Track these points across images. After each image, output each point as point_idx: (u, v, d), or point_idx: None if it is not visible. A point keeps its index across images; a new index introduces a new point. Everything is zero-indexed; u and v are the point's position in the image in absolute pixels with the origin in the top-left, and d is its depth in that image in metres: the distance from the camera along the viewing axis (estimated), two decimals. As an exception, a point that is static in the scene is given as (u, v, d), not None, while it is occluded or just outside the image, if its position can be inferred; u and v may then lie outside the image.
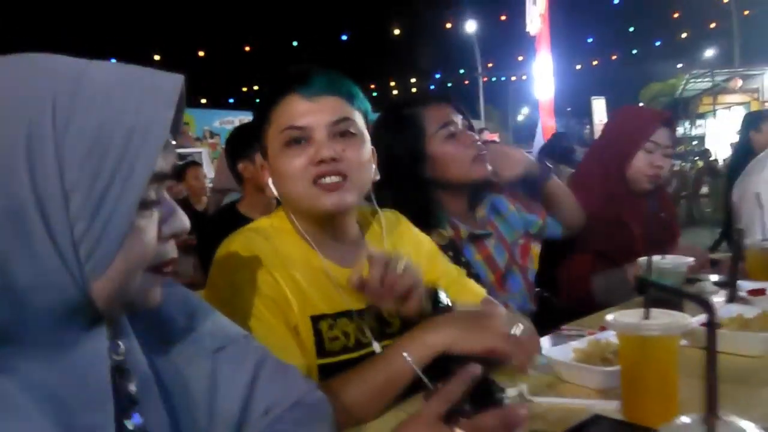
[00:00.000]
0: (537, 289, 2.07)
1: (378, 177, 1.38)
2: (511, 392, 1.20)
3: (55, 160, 0.63)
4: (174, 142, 0.77)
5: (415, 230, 1.56)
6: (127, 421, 0.76)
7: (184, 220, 0.77)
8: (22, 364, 0.66)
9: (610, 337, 1.32)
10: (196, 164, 6.21)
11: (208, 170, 7.43)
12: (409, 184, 1.76)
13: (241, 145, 3.00)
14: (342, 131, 1.28)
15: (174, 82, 0.72)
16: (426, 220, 1.69)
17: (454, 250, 1.75)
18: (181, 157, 7.93)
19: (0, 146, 0.62)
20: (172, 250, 0.77)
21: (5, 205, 0.62)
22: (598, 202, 2.23)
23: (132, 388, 0.78)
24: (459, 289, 1.47)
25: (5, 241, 0.62)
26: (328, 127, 1.27)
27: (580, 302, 2.04)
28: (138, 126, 0.67)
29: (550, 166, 2.97)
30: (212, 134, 16.17)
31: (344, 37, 22.27)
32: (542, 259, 2.06)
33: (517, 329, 1.17)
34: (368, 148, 1.34)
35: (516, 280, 1.93)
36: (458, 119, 1.83)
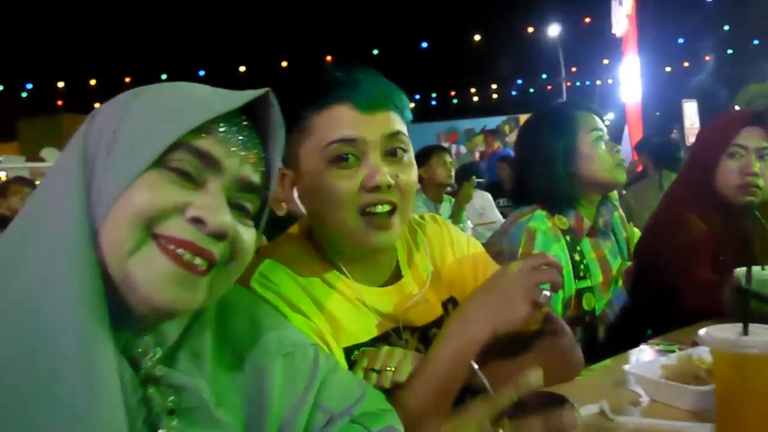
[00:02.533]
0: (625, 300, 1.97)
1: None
2: (590, 409, 1.12)
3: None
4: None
5: (457, 234, 1.44)
6: (161, 430, 0.75)
7: (217, 216, 0.74)
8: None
9: (703, 353, 1.22)
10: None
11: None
12: (553, 175, 1.89)
13: None
14: (394, 148, 1.17)
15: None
16: (555, 204, 1.89)
17: (572, 236, 1.87)
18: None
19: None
20: (187, 232, 0.74)
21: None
22: (694, 221, 2.02)
23: (162, 396, 0.77)
24: None
25: None
26: (383, 144, 1.15)
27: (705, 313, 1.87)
28: (171, 108, 0.75)
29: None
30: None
31: (424, 45, 22.29)
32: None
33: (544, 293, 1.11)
34: (415, 169, 1.22)
35: (619, 295, 1.96)
36: (604, 128, 1.96)
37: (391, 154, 1.16)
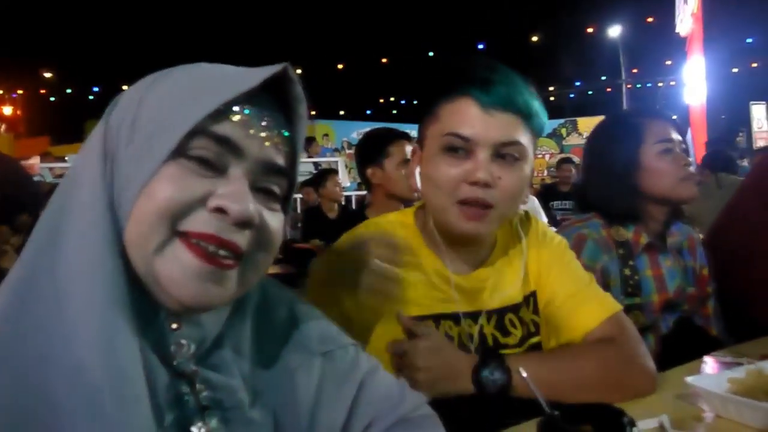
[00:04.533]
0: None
1: (527, 201, 1.33)
2: (648, 424, 1.05)
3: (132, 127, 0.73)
4: (264, 123, 0.76)
5: (543, 229, 1.45)
6: (193, 427, 0.73)
7: (240, 204, 0.71)
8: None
9: (776, 368, 1.13)
10: (335, 171, 6.48)
11: (344, 180, 7.70)
12: (618, 187, 1.81)
13: (370, 151, 3.03)
14: (506, 153, 1.21)
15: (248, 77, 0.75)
16: (614, 216, 1.82)
17: (626, 250, 1.79)
18: (317, 166, 8.28)
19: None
20: (211, 224, 0.70)
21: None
22: (762, 228, 1.95)
23: (204, 394, 0.75)
24: (578, 302, 1.33)
25: None
26: (494, 148, 1.20)
27: None
28: (186, 94, 0.73)
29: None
30: (350, 145, 16.63)
31: (480, 46, 22.12)
32: None
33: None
34: (527, 173, 1.27)
35: (674, 316, 1.84)
36: (676, 139, 1.83)
37: (501, 157, 1.21)
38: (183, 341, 0.75)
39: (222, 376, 0.77)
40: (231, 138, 0.72)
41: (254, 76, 0.74)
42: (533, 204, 5.33)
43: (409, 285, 1.27)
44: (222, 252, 0.71)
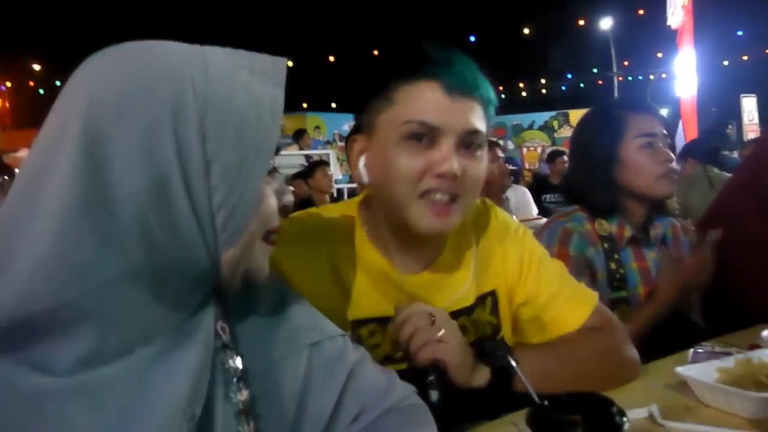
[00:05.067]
0: None
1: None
2: (638, 413, 1.06)
3: (198, 131, 0.66)
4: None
5: (505, 222, 1.38)
6: (232, 394, 0.77)
7: (290, 194, 0.81)
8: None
9: (765, 356, 1.14)
10: (326, 163, 6.48)
11: (336, 172, 7.68)
12: (597, 181, 1.81)
13: None
14: (470, 143, 1.15)
15: (275, 63, 0.75)
16: (596, 209, 1.81)
17: (610, 244, 1.78)
18: (308, 158, 8.25)
19: (147, 119, 0.64)
20: (278, 218, 0.79)
21: (151, 175, 0.63)
22: (752, 221, 1.94)
23: (237, 363, 0.79)
24: (562, 302, 1.30)
25: (150, 213, 0.63)
26: (459, 136, 1.12)
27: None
28: (264, 101, 0.71)
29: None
30: (341, 137, 16.58)
31: (472, 39, 22.06)
32: None
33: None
34: (485, 164, 1.20)
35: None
36: (660, 133, 1.81)
37: (465, 146, 1.14)
38: (221, 324, 0.79)
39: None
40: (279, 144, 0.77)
41: (275, 76, 0.77)
42: (525, 196, 5.28)
43: (350, 284, 1.19)
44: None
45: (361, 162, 1.19)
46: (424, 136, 1.11)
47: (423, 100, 1.11)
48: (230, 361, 0.78)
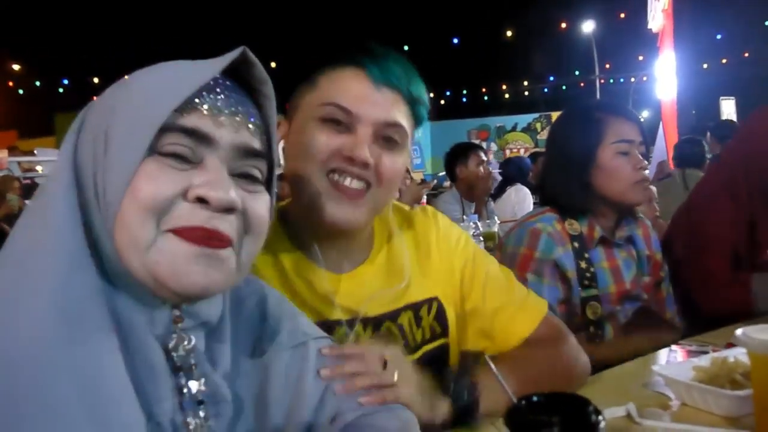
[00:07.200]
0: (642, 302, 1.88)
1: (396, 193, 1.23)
2: (614, 412, 1.06)
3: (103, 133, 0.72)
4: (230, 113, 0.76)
5: (446, 228, 1.33)
6: (189, 418, 0.75)
7: (219, 191, 0.71)
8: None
9: (740, 355, 1.14)
10: None
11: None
12: (572, 182, 1.80)
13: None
14: (387, 136, 1.12)
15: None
16: (567, 210, 1.79)
17: (580, 243, 1.77)
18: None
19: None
20: (195, 216, 0.71)
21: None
22: (725, 204, 2.02)
23: (193, 385, 0.76)
24: (512, 312, 1.28)
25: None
26: (377, 126, 1.10)
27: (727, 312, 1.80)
28: (151, 95, 0.73)
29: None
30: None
31: (455, 41, 22.16)
32: None
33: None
34: (405, 161, 1.16)
35: (635, 305, 1.85)
36: (637, 141, 1.80)
37: (384, 139, 1.12)
38: (183, 335, 0.76)
39: (214, 370, 0.79)
40: (201, 129, 0.73)
41: (214, 66, 0.75)
42: (525, 196, 5.17)
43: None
44: (212, 241, 0.72)
45: (281, 145, 1.15)
46: (342, 121, 1.09)
47: (345, 85, 1.10)
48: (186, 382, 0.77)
